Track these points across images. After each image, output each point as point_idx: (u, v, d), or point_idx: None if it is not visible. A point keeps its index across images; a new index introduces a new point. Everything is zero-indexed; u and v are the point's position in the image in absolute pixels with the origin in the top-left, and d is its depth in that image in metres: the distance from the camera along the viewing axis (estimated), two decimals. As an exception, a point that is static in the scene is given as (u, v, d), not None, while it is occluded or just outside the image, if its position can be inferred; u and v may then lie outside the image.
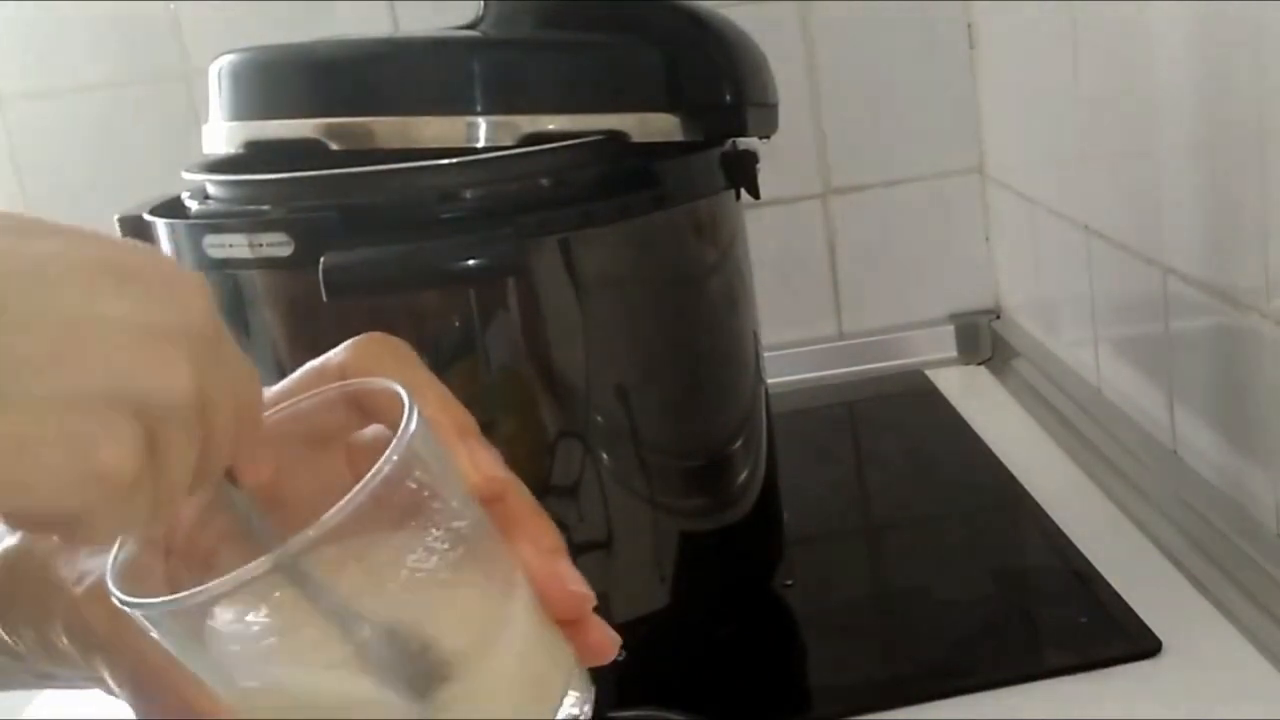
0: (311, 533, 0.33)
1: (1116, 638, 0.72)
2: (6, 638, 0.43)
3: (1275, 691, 0.66)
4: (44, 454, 0.30)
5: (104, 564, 0.37)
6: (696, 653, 0.75)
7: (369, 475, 0.33)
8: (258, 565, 0.33)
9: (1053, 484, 0.92)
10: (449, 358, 0.70)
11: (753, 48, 0.78)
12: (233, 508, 0.36)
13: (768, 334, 0.85)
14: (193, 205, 0.73)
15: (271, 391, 0.40)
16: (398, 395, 0.36)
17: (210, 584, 0.33)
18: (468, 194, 0.68)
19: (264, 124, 0.73)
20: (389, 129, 0.70)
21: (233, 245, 0.66)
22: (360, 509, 0.33)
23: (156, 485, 0.32)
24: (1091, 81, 0.92)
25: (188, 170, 0.75)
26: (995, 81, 1.17)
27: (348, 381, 0.39)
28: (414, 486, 0.34)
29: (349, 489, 0.34)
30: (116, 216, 0.74)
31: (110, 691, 0.43)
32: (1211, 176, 0.76)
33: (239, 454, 0.35)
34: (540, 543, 0.39)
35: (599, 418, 0.71)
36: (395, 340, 0.40)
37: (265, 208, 0.69)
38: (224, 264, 0.67)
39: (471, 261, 0.64)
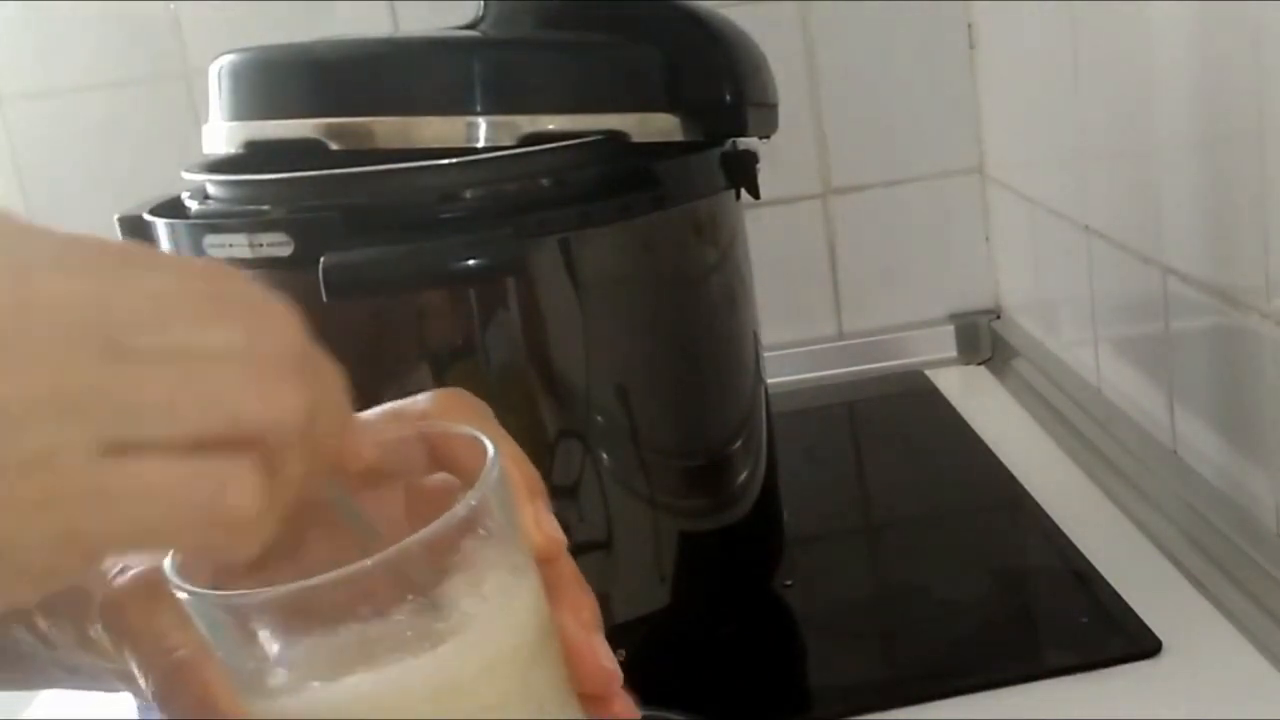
0: (381, 556, 0.34)
1: (1116, 638, 0.72)
2: (44, 624, 0.43)
3: (1275, 691, 0.66)
4: (171, 500, 0.31)
5: (146, 558, 0.38)
6: (696, 653, 0.75)
7: (448, 513, 0.35)
8: (319, 579, 0.34)
9: (1053, 484, 0.92)
10: (449, 358, 0.70)
11: (753, 48, 0.78)
12: (330, 497, 0.37)
13: (768, 334, 0.85)
14: (193, 205, 0.73)
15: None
16: (481, 444, 0.38)
17: (267, 590, 0.34)
18: (468, 194, 0.68)
19: (264, 124, 0.73)
20: (389, 129, 0.70)
21: (233, 245, 0.66)
22: (432, 543, 0.34)
23: (272, 508, 0.32)
24: (1091, 81, 0.92)
25: (188, 170, 0.75)
26: (995, 81, 1.17)
27: (432, 424, 0.40)
28: (482, 534, 0.36)
29: (401, 524, 0.36)
30: (116, 216, 0.74)
31: (135, 691, 0.43)
32: (1211, 177, 0.76)
33: (341, 449, 0.36)
34: (580, 614, 0.40)
35: (599, 418, 0.71)
36: (473, 397, 0.42)
37: (265, 208, 0.69)
38: (224, 264, 0.67)
39: (471, 261, 0.64)
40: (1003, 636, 0.76)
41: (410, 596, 0.36)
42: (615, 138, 0.71)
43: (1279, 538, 0.73)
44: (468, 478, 0.37)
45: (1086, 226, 0.97)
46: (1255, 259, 0.70)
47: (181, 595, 0.36)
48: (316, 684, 0.35)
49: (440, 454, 0.40)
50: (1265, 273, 0.70)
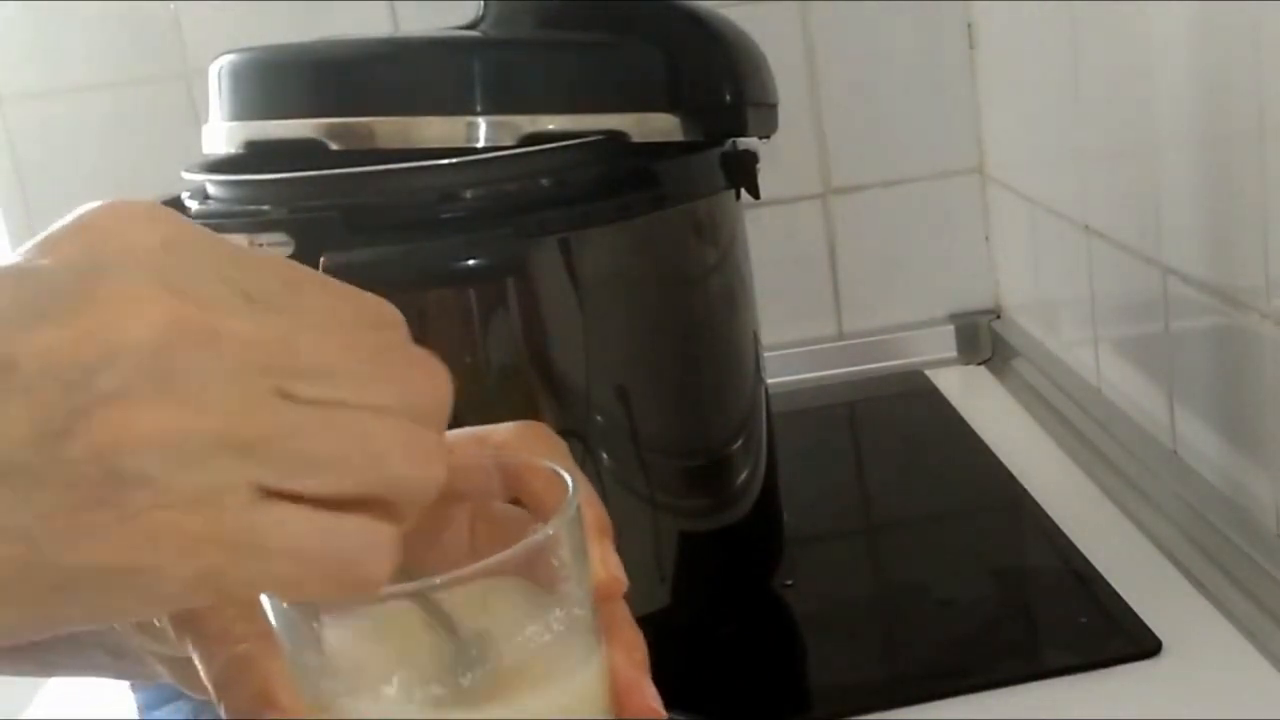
0: (459, 573, 0.35)
1: (1116, 638, 0.72)
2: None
3: (1275, 691, 0.66)
4: (315, 557, 0.31)
5: None
6: (696, 653, 0.75)
7: (526, 539, 0.36)
8: (400, 587, 0.35)
9: (1053, 484, 0.92)
10: (449, 358, 0.70)
11: (753, 48, 0.78)
12: None
13: (768, 334, 0.85)
14: (193, 205, 0.73)
15: None
16: (561, 479, 0.39)
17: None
18: (468, 194, 0.68)
19: (264, 124, 0.73)
20: (389, 129, 0.70)
21: (233, 245, 0.66)
22: (505, 567, 0.36)
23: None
24: (1091, 81, 0.92)
25: (188, 170, 0.75)
26: (995, 81, 1.17)
27: (512, 453, 0.42)
28: (555, 564, 0.37)
29: (463, 546, 0.39)
30: (116, 216, 0.74)
31: (182, 680, 0.44)
32: (1211, 176, 0.76)
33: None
34: (633, 654, 0.41)
35: (599, 418, 0.71)
36: (553, 433, 0.43)
37: (265, 208, 0.69)
38: (224, 264, 0.67)
39: (471, 261, 0.64)
40: (1003, 636, 0.76)
41: (478, 618, 0.37)
42: (615, 138, 0.71)
43: (1279, 538, 0.73)
44: (540, 509, 0.40)
45: (1086, 226, 0.97)
46: (1255, 259, 0.70)
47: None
48: (375, 697, 0.36)
49: (514, 483, 0.41)
50: (1265, 273, 0.70)
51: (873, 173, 1.22)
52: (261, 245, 0.66)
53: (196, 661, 0.39)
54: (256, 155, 0.73)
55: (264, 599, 0.36)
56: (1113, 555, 0.80)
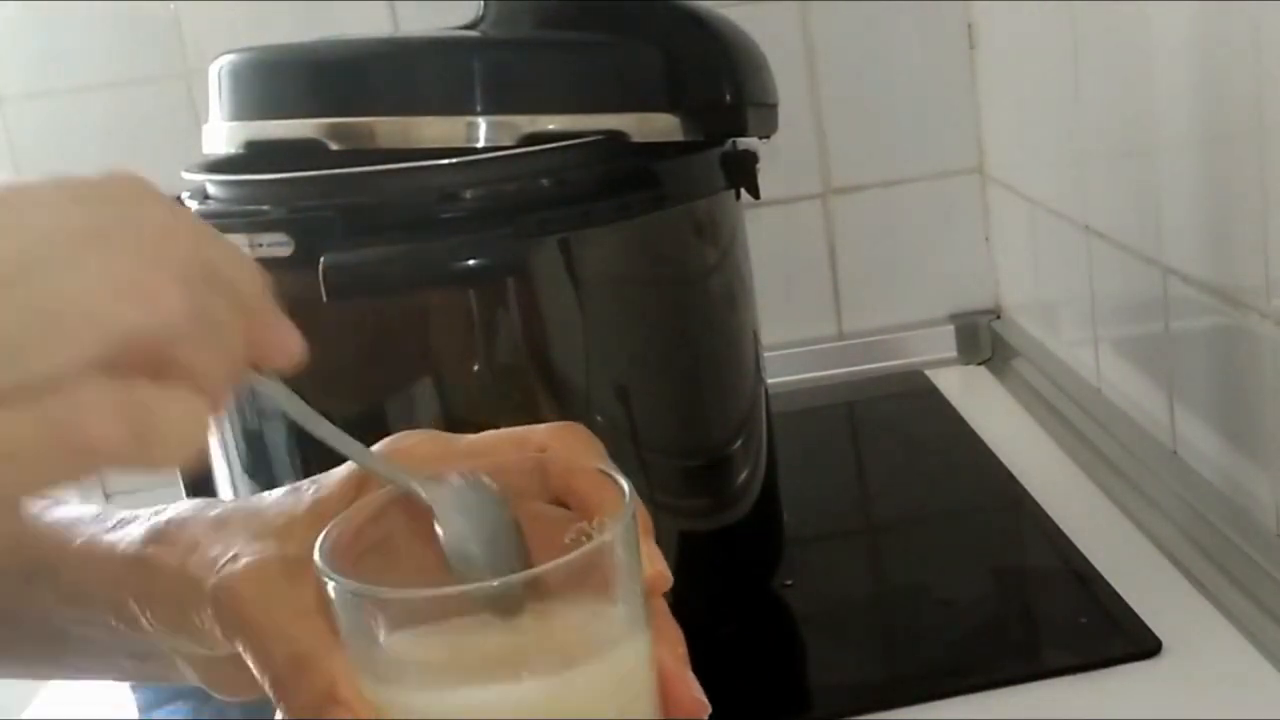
0: (536, 570, 0.37)
1: (1116, 638, 0.72)
2: (135, 607, 0.44)
3: (1275, 691, 0.66)
4: (30, 450, 0.30)
5: (257, 547, 0.40)
6: (696, 653, 0.75)
7: (596, 539, 0.38)
8: (475, 587, 0.37)
9: (1053, 484, 0.92)
10: (449, 358, 0.70)
11: (753, 48, 0.78)
12: (263, 397, 0.39)
13: (768, 334, 0.85)
14: (193, 205, 0.73)
15: (469, 441, 0.44)
16: (610, 480, 0.41)
17: (420, 590, 0.37)
18: (468, 194, 0.68)
19: (264, 124, 0.73)
20: (389, 129, 0.70)
21: (233, 245, 0.66)
22: (572, 566, 0.37)
23: (196, 400, 0.33)
24: (1091, 81, 0.92)
25: (188, 170, 0.75)
26: (995, 81, 1.17)
27: (554, 455, 0.43)
28: (615, 561, 0.39)
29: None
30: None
31: (212, 684, 0.44)
32: (1211, 176, 0.76)
33: (261, 343, 0.36)
34: (675, 648, 0.42)
35: (599, 418, 0.71)
36: (591, 434, 0.45)
37: (265, 208, 0.69)
38: (224, 264, 0.67)
39: (471, 261, 0.64)
40: (1003, 636, 0.76)
41: (541, 615, 0.38)
42: (615, 138, 0.71)
43: (1279, 538, 0.73)
44: (585, 508, 0.41)
45: (1086, 226, 0.97)
46: (1255, 259, 0.70)
47: (331, 585, 0.37)
48: (443, 688, 0.37)
49: (558, 484, 0.42)
50: (1265, 273, 0.70)
51: (873, 173, 1.21)
52: (261, 246, 0.66)
53: (250, 661, 0.39)
54: (256, 155, 0.73)
55: (330, 592, 0.37)
56: (1113, 555, 0.80)
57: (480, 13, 0.80)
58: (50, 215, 0.32)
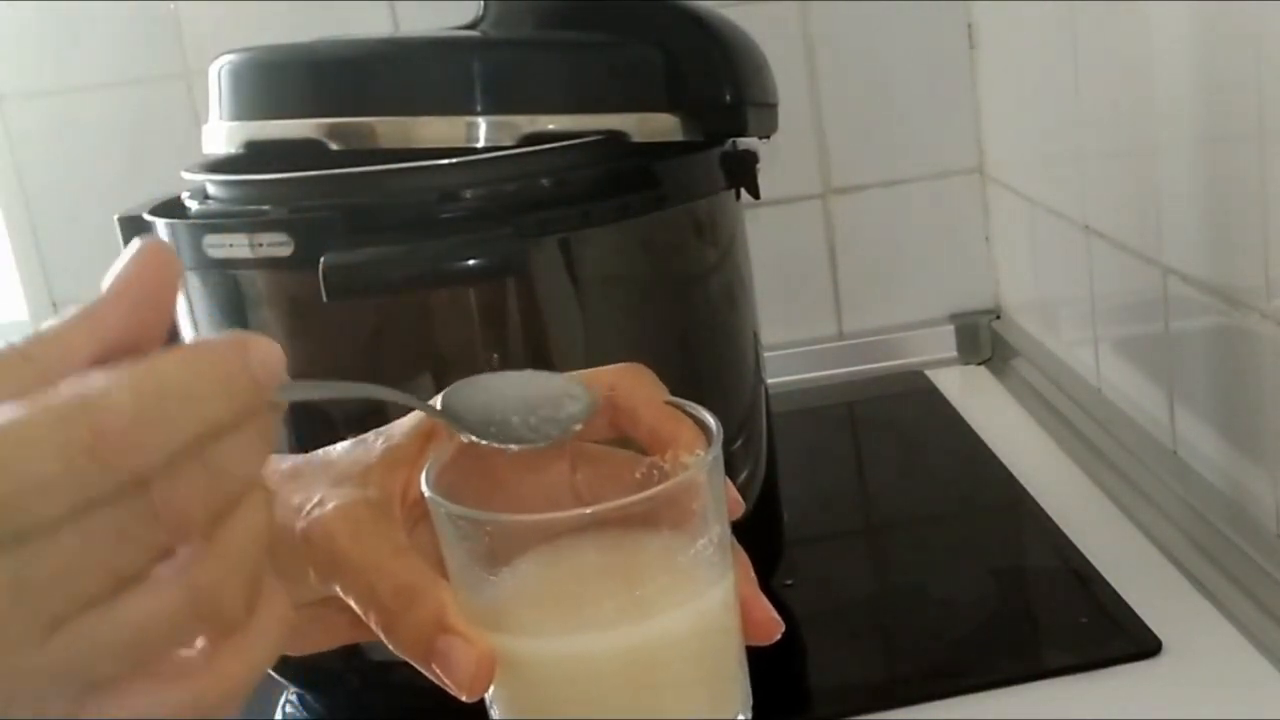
0: (621, 502, 0.38)
1: (1116, 638, 0.72)
2: None
3: (1275, 691, 0.66)
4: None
5: (340, 492, 0.41)
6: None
7: (692, 468, 0.39)
8: (579, 513, 0.38)
9: (1053, 484, 0.92)
10: (449, 358, 0.70)
11: (753, 48, 0.78)
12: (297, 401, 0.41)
13: (768, 334, 0.85)
14: (193, 205, 0.73)
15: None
16: (682, 413, 0.42)
17: (534, 515, 0.39)
18: (468, 194, 0.68)
19: (264, 124, 0.73)
20: (389, 129, 0.70)
21: (233, 245, 0.66)
22: (676, 493, 0.39)
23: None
24: (1091, 81, 0.92)
25: (188, 170, 0.75)
26: (995, 81, 1.17)
27: (624, 393, 0.44)
28: (713, 489, 0.40)
29: (565, 489, 0.42)
30: (116, 216, 0.74)
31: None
32: (1211, 176, 0.76)
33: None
34: (747, 571, 0.44)
35: (599, 418, 0.71)
36: (652, 373, 0.46)
37: (265, 208, 0.69)
38: (224, 264, 0.67)
39: (471, 261, 0.64)
40: (1003, 636, 0.76)
41: (638, 548, 0.39)
42: (615, 138, 0.71)
43: (1279, 538, 0.73)
44: (657, 444, 0.42)
45: (1086, 226, 0.97)
46: (1255, 259, 0.70)
47: (447, 513, 0.38)
48: (553, 623, 0.39)
49: (627, 422, 0.43)
50: (1265, 273, 0.70)
51: (873, 173, 1.22)
52: (261, 245, 0.66)
53: (353, 599, 0.40)
54: (256, 155, 0.73)
55: (440, 525, 0.38)
56: (1113, 555, 0.80)
57: (480, 13, 0.80)
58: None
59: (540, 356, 0.71)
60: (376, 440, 0.44)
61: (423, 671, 0.39)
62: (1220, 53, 0.72)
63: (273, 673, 0.75)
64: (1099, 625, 0.74)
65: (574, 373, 0.45)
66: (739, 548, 0.43)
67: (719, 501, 0.41)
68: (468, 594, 0.39)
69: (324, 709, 0.77)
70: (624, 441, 0.44)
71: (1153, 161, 0.83)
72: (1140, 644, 0.71)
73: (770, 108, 0.80)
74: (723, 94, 0.75)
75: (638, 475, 0.42)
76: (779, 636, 0.44)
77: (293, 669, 0.75)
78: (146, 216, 0.73)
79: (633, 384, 0.44)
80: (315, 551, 0.40)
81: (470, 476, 0.42)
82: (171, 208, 0.75)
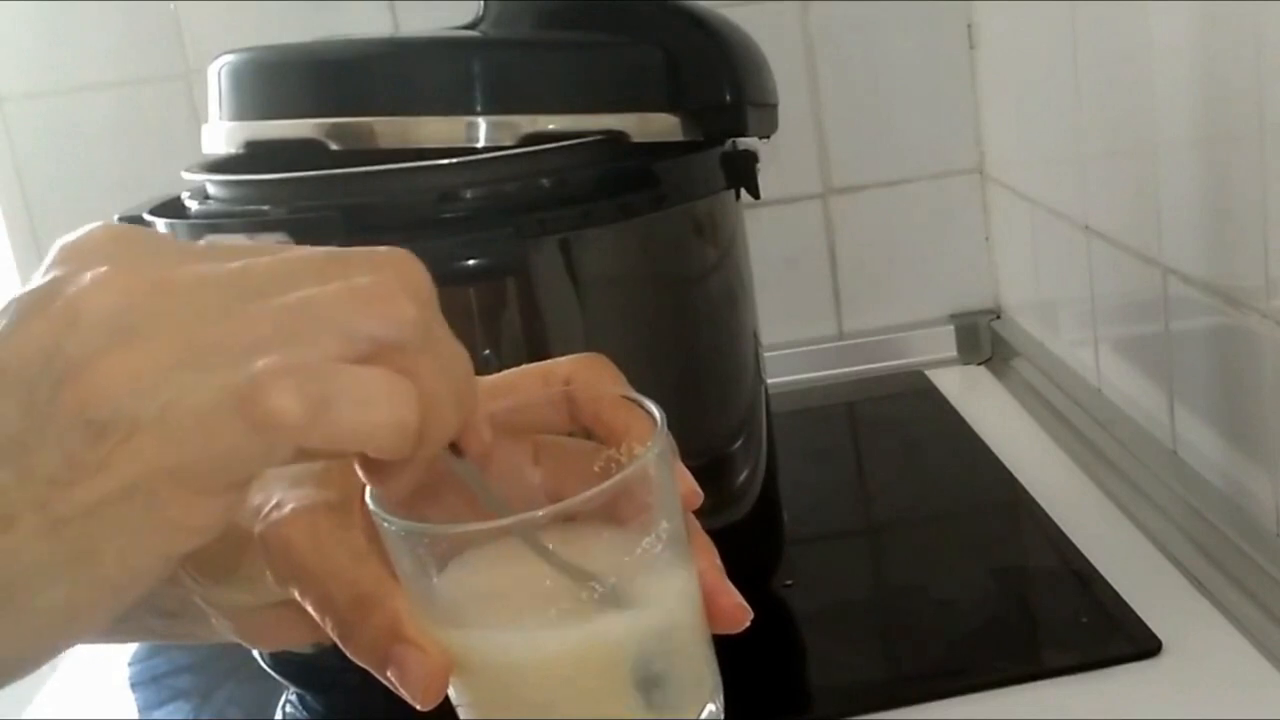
0: (573, 501, 0.37)
1: (1116, 638, 0.72)
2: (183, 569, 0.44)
3: (1275, 691, 0.66)
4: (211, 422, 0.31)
5: (298, 493, 0.40)
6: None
7: (636, 463, 0.39)
8: (531, 515, 0.37)
9: (1053, 484, 0.92)
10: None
11: (753, 48, 0.78)
12: (457, 475, 0.39)
13: (768, 334, 0.85)
14: (193, 205, 0.73)
15: (492, 380, 0.44)
16: (636, 405, 0.42)
17: (474, 524, 0.38)
18: (468, 194, 0.68)
19: (264, 124, 0.73)
20: (389, 129, 0.70)
21: (233, 245, 0.66)
22: (621, 487, 0.38)
23: (396, 382, 0.33)
24: (1091, 81, 0.92)
25: (188, 170, 0.75)
26: (995, 81, 1.17)
27: (581, 386, 0.43)
28: (657, 482, 0.39)
29: (533, 483, 0.42)
30: (116, 216, 0.74)
31: (246, 635, 0.45)
32: (1211, 176, 0.76)
33: (462, 427, 0.37)
34: (713, 558, 0.44)
35: (599, 418, 0.71)
36: (611, 363, 0.45)
37: (265, 208, 0.69)
38: (224, 264, 0.67)
39: (471, 261, 0.64)
40: (1003, 636, 0.76)
41: (587, 543, 0.39)
42: (615, 138, 0.71)
43: (1279, 538, 0.73)
44: (612, 436, 0.41)
45: (1086, 226, 0.97)
46: (1255, 259, 0.71)
47: (390, 528, 0.38)
48: (502, 625, 0.38)
49: (585, 414, 0.43)
50: (1265, 273, 0.70)
51: (873, 173, 1.22)
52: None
53: (310, 605, 0.40)
54: (256, 155, 0.73)
55: (386, 538, 0.38)
56: (1113, 555, 0.80)
57: (480, 13, 0.80)
58: (295, 250, 0.35)
59: (540, 357, 0.70)
60: None
61: (379, 679, 0.39)
62: (1220, 53, 0.72)
63: (273, 673, 0.76)
64: (1099, 625, 0.74)
65: (533, 365, 0.45)
66: (703, 535, 0.43)
67: (670, 495, 0.40)
68: (417, 596, 0.39)
69: (324, 709, 0.77)
70: (588, 433, 0.44)
71: (1153, 161, 0.83)
72: (1140, 644, 0.71)
73: (770, 108, 0.80)
74: (723, 94, 0.75)
75: (596, 468, 0.42)
76: (748, 624, 0.44)
77: (293, 669, 0.75)
78: (147, 216, 0.73)
79: (589, 375, 0.44)
80: (272, 557, 0.40)
81: (437, 473, 0.41)
82: (171, 208, 0.75)
